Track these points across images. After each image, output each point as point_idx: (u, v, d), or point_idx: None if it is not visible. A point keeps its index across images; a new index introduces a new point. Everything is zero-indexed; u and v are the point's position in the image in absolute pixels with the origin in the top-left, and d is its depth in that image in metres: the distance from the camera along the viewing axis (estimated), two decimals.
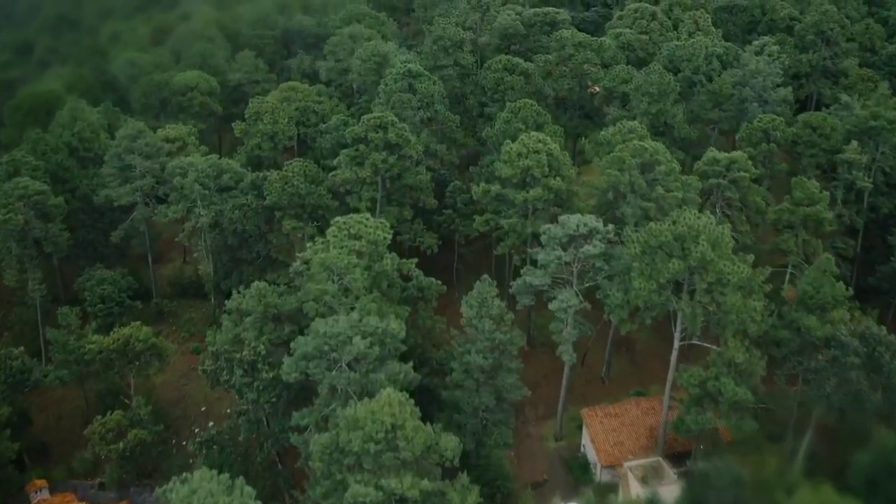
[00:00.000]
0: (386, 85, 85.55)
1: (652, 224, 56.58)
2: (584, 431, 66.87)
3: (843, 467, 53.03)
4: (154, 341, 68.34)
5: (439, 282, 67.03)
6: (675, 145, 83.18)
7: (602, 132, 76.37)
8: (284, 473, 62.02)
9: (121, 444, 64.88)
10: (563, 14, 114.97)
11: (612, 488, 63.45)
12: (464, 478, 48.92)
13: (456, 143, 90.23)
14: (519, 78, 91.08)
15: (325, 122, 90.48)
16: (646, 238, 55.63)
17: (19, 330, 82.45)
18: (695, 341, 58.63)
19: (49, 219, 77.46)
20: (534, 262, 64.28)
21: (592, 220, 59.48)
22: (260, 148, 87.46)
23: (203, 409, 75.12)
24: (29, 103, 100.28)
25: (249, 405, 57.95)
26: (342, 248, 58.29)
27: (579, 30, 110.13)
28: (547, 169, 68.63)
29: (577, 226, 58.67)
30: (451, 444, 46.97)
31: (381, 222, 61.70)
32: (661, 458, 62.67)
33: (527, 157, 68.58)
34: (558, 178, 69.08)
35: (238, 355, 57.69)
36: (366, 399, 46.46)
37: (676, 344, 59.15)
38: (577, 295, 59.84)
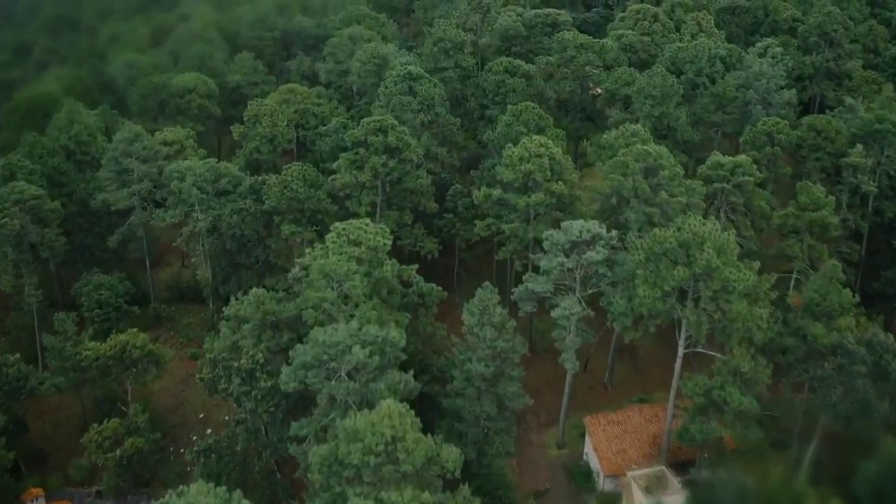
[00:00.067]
0: (386, 87, 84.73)
1: (656, 230, 55.74)
2: (587, 439, 66.07)
3: (850, 476, 52.34)
4: (151, 348, 67.57)
5: (440, 288, 66.21)
6: (678, 148, 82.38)
7: (605, 135, 75.51)
8: (283, 483, 61.21)
9: (117, 452, 64.11)
10: (565, 15, 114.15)
11: (615, 498, 62.65)
12: (465, 490, 48.12)
13: (457, 146, 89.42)
14: (520, 80, 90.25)
15: (324, 125, 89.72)
16: (650, 244, 54.81)
17: (16, 335, 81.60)
18: (699, 349, 57.79)
19: (45, 223, 76.60)
20: (536, 268, 63.53)
21: (595, 226, 58.64)
22: (259, 151, 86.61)
23: (201, 416, 74.35)
24: (26, 106, 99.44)
25: (247, 414, 57.13)
26: (341, 254, 57.46)
27: (580, 31, 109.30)
28: (549, 173, 67.80)
29: (580, 232, 57.83)
30: (452, 455, 46.12)
31: (381, 228, 60.84)
32: (664, 468, 61.86)
33: (528, 161, 67.75)
34: (560, 183, 68.23)
35: (236, 364, 56.87)
36: (365, 410, 45.60)
37: (681, 352, 58.34)
38: (580, 302, 59.02)
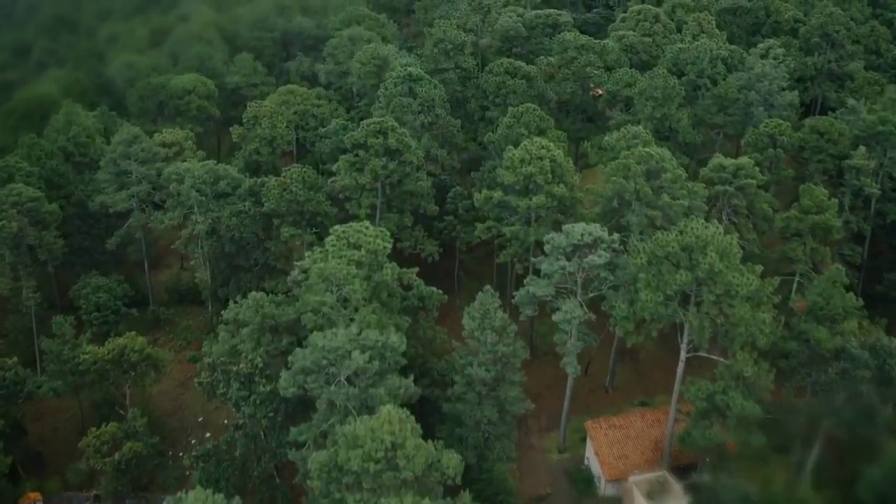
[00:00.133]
0: (386, 89, 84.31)
1: (658, 234, 55.31)
2: (588, 444, 65.64)
3: (853, 482, 51.92)
4: (149, 352, 67.11)
5: (440, 291, 65.75)
6: (680, 150, 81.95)
7: (606, 137, 75.10)
8: (283, 488, 60.76)
9: (116, 457, 63.67)
10: (566, 16, 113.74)
11: (616, 503, 62.24)
12: (465, 496, 47.74)
13: (457, 148, 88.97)
14: (521, 81, 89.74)
15: (324, 126, 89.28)
16: (652, 248, 54.38)
17: (14, 338, 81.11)
18: (701, 353, 57.35)
19: (43, 226, 76.09)
20: (536, 272, 63.08)
21: (597, 229, 58.19)
22: (258, 153, 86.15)
23: (200, 419, 73.91)
24: (24, 107, 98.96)
25: (246, 419, 56.66)
26: (341, 257, 57.00)
27: (581, 32, 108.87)
28: (550, 176, 67.38)
29: (582, 235, 57.38)
30: (452, 461, 45.74)
31: (381, 231, 60.38)
32: (666, 472, 61.45)
33: (529, 164, 67.34)
34: (562, 185, 67.81)
35: (235, 368, 56.42)
36: (365, 416, 45.21)
37: (683, 356, 57.92)
38: (582, 306, 58.56)
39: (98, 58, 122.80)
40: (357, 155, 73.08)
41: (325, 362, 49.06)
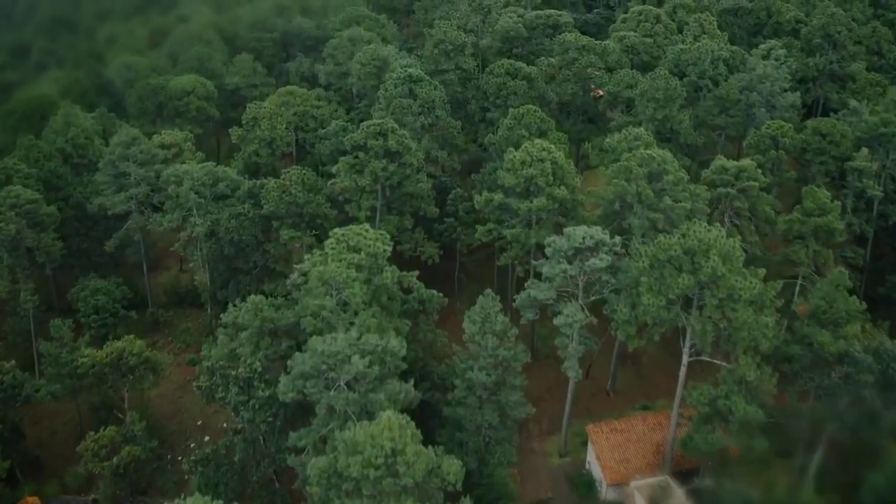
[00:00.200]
0: (386, 90, 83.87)
1: (661, 237, 54.85)
2: (590, 448, 65.21)
3: (857, 487, 51.54)
4: (148, 355, 66.70)
5: (441, 294, 65.33)
6: (681, 151, 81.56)
7: (607, 139, 74.67)
8: (282, 492, 60.35)
9: (114, 461, 63.29)
10: (566, 16, 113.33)
11: None
12: (466, 501, 47.31)
13: (457, 149, 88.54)
14: (522, 83, 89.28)
15: (324, 128, 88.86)
16: (654, 251, 53.93)
17: (12, 340, 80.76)
18: (704, 357, 56.92)
19: (42, 228, 75.68)
20: (538, 275, 62.64)
21: (598, 232, 57.72)
22: (257, 154, 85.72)
23: (199, 422, 73.49)
24: (22, 108, 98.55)
25: (245, 424, 56.25)
26: (341, 260, 56.55)
27: (581, 32, 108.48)
28: (551, 178, 66.94)
29: (583, 238, 56.91)
30: (453, 467, 45.33)
31: (380, 234, 59.92)
32: (668, 477, 60.98)
33: (530, 166, 66.90)
34: (563, 188, 67.39)
35: (234, 372, 56.01)
36: (365, 422, 44.76)
37: (685, 360, 57.46)
38: (583, 309, 58.12)
39: (97, 58, 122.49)
40: (357, 157, 72.64)
41: (324, 367, 48.64)
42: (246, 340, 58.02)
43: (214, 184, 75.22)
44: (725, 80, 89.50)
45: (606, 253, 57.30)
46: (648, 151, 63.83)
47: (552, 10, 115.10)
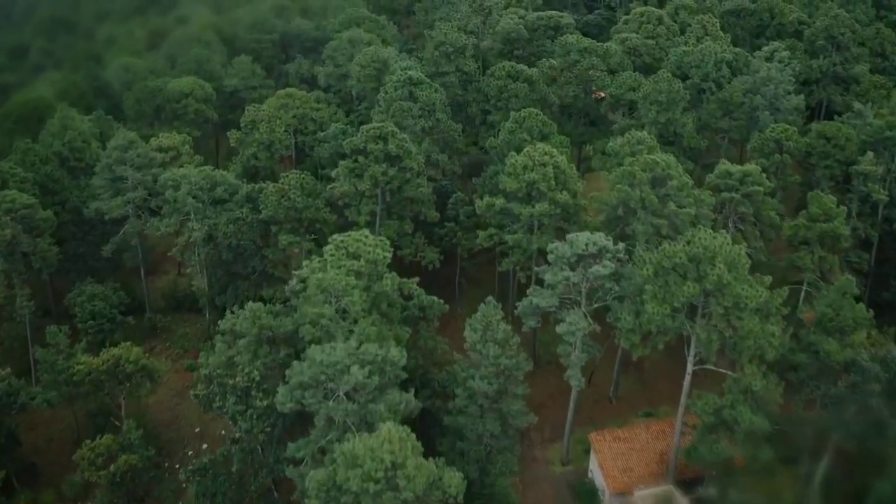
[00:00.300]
0: (386, 93, 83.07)
1: (665, 244, 53.98)
2: (592, 456, 64.37)
3: (863, 496, 50.83)
4: (145, 363, 65.74)
5: (441, 301, 64.43)
6: (684, 155, 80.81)
7: (610, 143, 73.87)
8: (280, 503, 59.53)
9: (111, 469, 62.41)
10: (567, 18, 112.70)
11: None
12: None
13: (458, 153, 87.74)
14: (523, 85, 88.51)
15: (323, 130, 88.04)
16: (659, 259, 53.06)
17: (8, 346, 79.80)
18: (708, 366, 56.10)
19: (37, 233, 74.72)
20: (539, 281, 61.78)
21: (602, 239, 56.80)
22: (256, 158, 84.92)
23: (197, 430, 72.62)
24: (19, 111, 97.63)
25: (243, 434, 55.41)
26: (340, 267, 55.69)
27: (583, 33, 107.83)
28: (553, 183, 66.13)
29: (586, 244, 56.01)
30: (454, 480, 44.53)
31: (380, 240, 59.03)
32: (672, 486, 60.20)
33: (532, 171, 66.09)
34: (565, 193, 66.58)
35: (231, 381, 55.14)
36: (365, 434, 43.92)
37: (690, 368, 56.63)
38: (586, 317, 57.28)
39: (95, 60, 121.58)
40: (356, 161, 71.83)
41: (323, 377, 47.79)
42: (244, 348, 57.10)
43: (212, 188, 74.32)
44: (729, 83, 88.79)
45: (610, 260, 56.42)
46: (652, 156, 62.99)
47: (553, 12, 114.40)
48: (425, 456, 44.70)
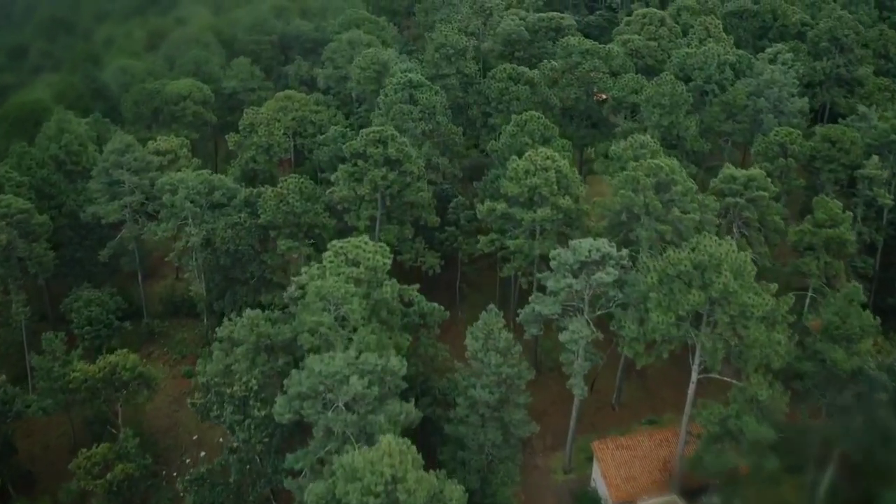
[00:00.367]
0: (386, 95, 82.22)
1: (670, 251, 53.14)
2: (595, 465, 63.53)
3: None
4: (142, 370, 64.92)
5: (442, 307, 63.62)
6: (687, 158, 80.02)
7: (612, 147, 73.01)
8: None
9: (108, 477, 61.57)
10: (569, 19, 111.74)
11: None
12: None
13: (459, 156, 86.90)
14: (524, 87, 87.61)
15: (322, 133, 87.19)
16: (663, 266, 52.21)
17: (4, 352, 78.76)
18: (713, 374, 55.26)
19: (33, 238, 73.82)
20: (541, 287, 60.94)
21: (605, 245, 55.92)
22: (255, 161, 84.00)
23: (195, 437, 71.79)
24: (15, 113, 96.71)
25: (241, 443, 54.58)
26: (339, 274, 54.87)
27: (584, 35, 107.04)
28: (555, 187, 65.28)
29: (589, 251, 55.14)
30: (455, 493, 43.66)
31: (380, 246, 58.21)
32: (676, 496, 59.38)
33: (534, 175, 65.23)
34: (567, 197, 65.74)
35: (229, 390, 54.30)
36: (364, 447, 43.09)
37: (694, 377, 55.81)
38: (589, 324, 56.42)
39: (93, 61, 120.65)
40: (356, 165, 71.00)
41: (322, 388, 46.94)
42: (242, 356, 56.25)
43: (210, 192, 73.43)
44: (732, 85, 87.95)
45: (613, 266, 55.56)
46: (656, 161, 62.09)
47: (554, 13, 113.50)
48: (426, 464, 43.91)
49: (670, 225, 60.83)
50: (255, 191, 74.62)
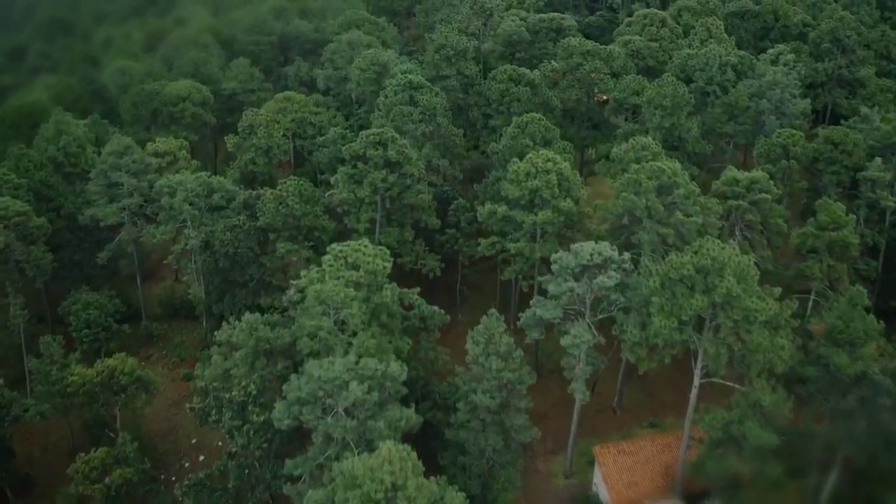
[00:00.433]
0: (386, 97, 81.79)
1: (672, 255, 52.69)
2: (596, 470, 63.08)
3: None
4: (140, 374, 64.55)
5: (442, 311, 63.23)
6: (689, 160, 79.60)
7: (614, 149, 72.59)
8: None
9: (106, 481, 61.20)
10: (570, 20, 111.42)
11: None
12: None
13: (459, 157, 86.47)
14: (525, 89, 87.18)
15: (322, 135, 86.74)
16: (666, 270, 51.75)
17: (2, 355, 78.57)
18: (716, 379, 54.82)
19: (31, 240, 73.40)
20: (542, 291, 60.51)
21: (607, 249, 55.45)
22: (254, 163, 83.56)
23: (194, 440, 71.41)
24: (13, 115, 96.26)
25: (240, 449, 54.15)
26: (339, 278, 54.45)
27: (584, 35, 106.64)
28: (556, 190, 64.84)
29: (591, 255, 54.68)
30: (456, 500, 43.28)
31: (380, 250, 57.77)
32: (678, 501, 58.94)
33: (535, 178, 64.80)
34: (568, 200, 65.29)
35: (227, 395, 53.87)
36: (364, 454, 42.67)
37: (697, 381, 55.36)
38: (591, 328, 55.98)
39: (92, 62, 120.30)
40: (356, 167, 70.54)
41: (321, 393, 46.54)
42: (240, 360, 55.81)
43: (209, 195, 72.98)
44: (734, 87, 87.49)
45: (615, 270, 55.11)
46: (658, 163, 61.63)
47: (555, 14, 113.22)
48: (426, 469, 43.51)
49: (672, 228, 60.39)
50: (255, 193, 74.24)
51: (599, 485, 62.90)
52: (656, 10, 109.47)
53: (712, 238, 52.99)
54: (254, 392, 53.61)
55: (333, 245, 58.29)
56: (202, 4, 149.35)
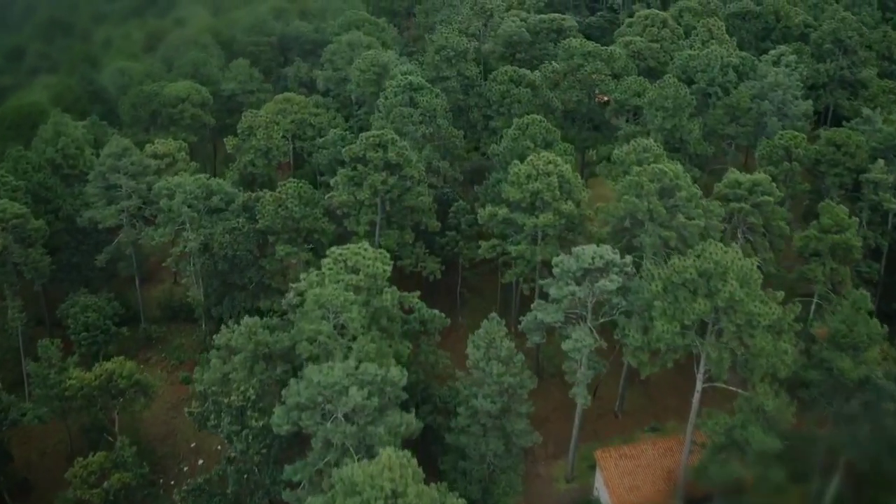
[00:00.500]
0: (386, 98, 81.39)
1: (675, 258, 52.30)
2: (598, 474, 62.74)
3: None
4: (138, 378, 64.12)
5: (443, 314, 62.80)
6: (690, 162, 79.20)
7: (615, 151, 72.21)
8: None
9: (104, 486, 60.80)
10: (570, 20, 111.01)
11: None
12: None
13: (459, 159, 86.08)
14: (525, 90, 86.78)
15: (322, 136, 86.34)
16: (668, 274, 51.35)
17: (0, 358, 78.22)
18: (719, 383, 54.44)
19: (29, 243, 72.99)
20: (543, 294, 60.13)
21: (608, 252, 55.06)
22: (253, 165, 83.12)
23: (192, 444, 71.01)
24: (12, 116, 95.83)
25: (238, 454, 53.76)
26: (338, 281, 54.04)
27: (585, 36, 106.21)
28: (558, 192, 64.44)
29: (592, 258, 54.30)
30: None
31: (380, 253, 57.37)
32: None
33: (536, 180, 64.41)
34: (570, 203, 64.90)
35: (226, 400, 53.48)
36: (364, 460, 42.26)
37: (699, 386, 54.95)
38: (592, 332, 55.58)
39: (91, 63, 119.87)
40: (356, 169, 70.14)
41: (321, 399, 46.15)
42: (239, 364, 55.42)
43: (208, 197, 72.53)
44: (735, 88, 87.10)
45: (617, 274, 54.73)
46: (660, 166, 61.22)
47: (556, 14, 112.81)
48: (427, 473, 43.05)
49: (674, 231, 59.99)
50: (254, 195, 73.90)
51: (601, 489, 62.53)
52: (657, 11, 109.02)
53: (715, 241, 52.59)
54: (253, 396, 53.23)
55: (333, 248, 57.88)
56: (202, 5, 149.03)
